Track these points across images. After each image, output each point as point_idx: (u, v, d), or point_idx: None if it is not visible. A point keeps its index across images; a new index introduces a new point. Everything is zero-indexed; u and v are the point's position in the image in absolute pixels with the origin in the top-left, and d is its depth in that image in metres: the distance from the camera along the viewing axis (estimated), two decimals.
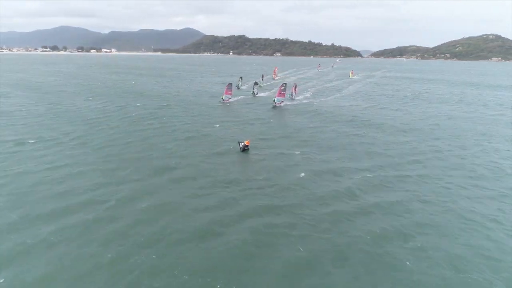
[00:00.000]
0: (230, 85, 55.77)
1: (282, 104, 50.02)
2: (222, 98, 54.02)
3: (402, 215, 16.92)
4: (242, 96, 58.67)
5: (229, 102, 53.17)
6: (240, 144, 27.82)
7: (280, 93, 50.17)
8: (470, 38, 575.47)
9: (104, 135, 31.49)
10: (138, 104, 48.90)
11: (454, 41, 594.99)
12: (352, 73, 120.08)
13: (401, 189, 20.11)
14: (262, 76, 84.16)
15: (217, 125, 36.44)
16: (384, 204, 18.10)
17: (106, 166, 22.74)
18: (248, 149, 27.39)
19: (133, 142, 29.31)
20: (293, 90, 59.36)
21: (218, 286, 11.69)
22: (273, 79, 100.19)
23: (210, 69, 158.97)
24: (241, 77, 78.33)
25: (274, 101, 50.25)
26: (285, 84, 51.79)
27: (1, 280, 11.44)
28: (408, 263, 13.12)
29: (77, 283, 11.67)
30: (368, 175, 22.29)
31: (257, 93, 61.26)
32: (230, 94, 54.74)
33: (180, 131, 33.45)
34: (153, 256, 13.11)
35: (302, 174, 22.22)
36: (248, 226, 15.50)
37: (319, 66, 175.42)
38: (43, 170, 21.78)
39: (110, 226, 15.17)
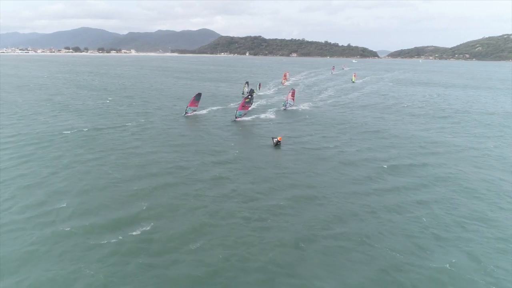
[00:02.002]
0: (199, 95, 48.45)
1: (244, 118, 45.56)
2: (186, 111, 47.35)
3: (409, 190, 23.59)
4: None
5: (193, 115, 47.27)
6: (274, 139, 33.71)
7: (243, 106, 45.16)
8: (490, 38, 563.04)
9: (166, 127, 40.92)
10: (176, 106, 55.66)
11: (474, 41, 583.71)
12: (354, 76, 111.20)
13: (409, 175, 26.49)
14: (259, 85, 76.83)
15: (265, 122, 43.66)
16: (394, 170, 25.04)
17: (173, 149, 31.60)
18: (280, 144, 33.36)
19: (187, 134, 37.66)
20: (289, 97, 54.28)
21: (266, 217, 18.95)
22: (282, 84, 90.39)
23: (233, 70, 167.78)
24: (246, 82, 73.14)
25: (235, 115, 45.32)
26: (250, 96, 46.73)
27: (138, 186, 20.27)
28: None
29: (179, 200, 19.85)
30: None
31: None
32: (196, 106, 48.11)
33: (228, 132, 39.74)
34: (225, 203, 20.42)
35: (326, 162, 29.14)
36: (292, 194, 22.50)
37: (334, 68, 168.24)
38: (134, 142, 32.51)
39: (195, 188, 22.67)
